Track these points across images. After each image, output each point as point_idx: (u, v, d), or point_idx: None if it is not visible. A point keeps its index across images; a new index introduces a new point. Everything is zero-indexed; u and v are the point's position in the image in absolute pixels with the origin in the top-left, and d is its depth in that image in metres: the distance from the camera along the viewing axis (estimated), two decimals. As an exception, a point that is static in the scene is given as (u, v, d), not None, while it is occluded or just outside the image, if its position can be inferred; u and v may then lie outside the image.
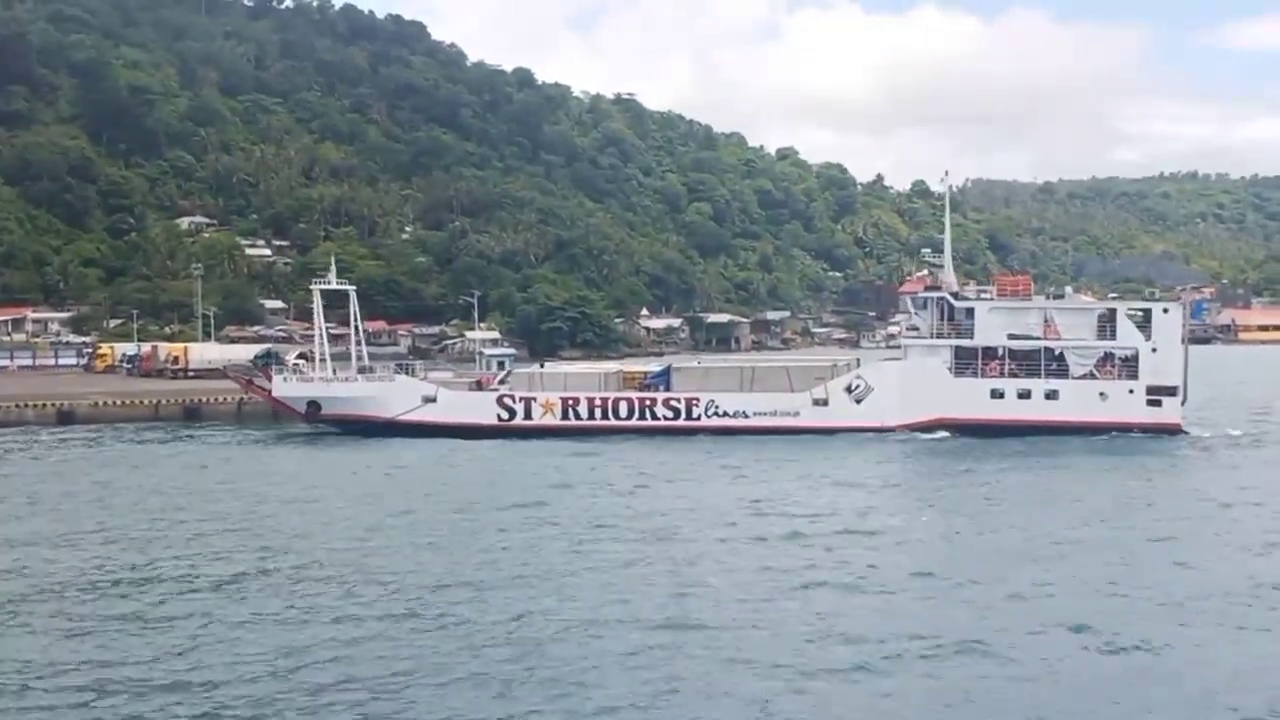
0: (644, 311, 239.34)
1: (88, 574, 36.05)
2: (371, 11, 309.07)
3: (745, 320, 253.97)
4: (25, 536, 42.33)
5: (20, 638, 29.27)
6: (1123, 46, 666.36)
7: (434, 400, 77.82)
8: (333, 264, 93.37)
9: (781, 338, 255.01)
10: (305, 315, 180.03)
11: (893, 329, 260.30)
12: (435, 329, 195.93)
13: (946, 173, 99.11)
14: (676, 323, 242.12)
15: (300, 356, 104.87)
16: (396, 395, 78.72)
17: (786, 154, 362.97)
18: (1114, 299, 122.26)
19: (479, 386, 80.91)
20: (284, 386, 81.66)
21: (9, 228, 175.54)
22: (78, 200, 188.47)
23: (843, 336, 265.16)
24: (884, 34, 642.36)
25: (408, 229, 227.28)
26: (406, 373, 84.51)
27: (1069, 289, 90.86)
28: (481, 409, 77.23)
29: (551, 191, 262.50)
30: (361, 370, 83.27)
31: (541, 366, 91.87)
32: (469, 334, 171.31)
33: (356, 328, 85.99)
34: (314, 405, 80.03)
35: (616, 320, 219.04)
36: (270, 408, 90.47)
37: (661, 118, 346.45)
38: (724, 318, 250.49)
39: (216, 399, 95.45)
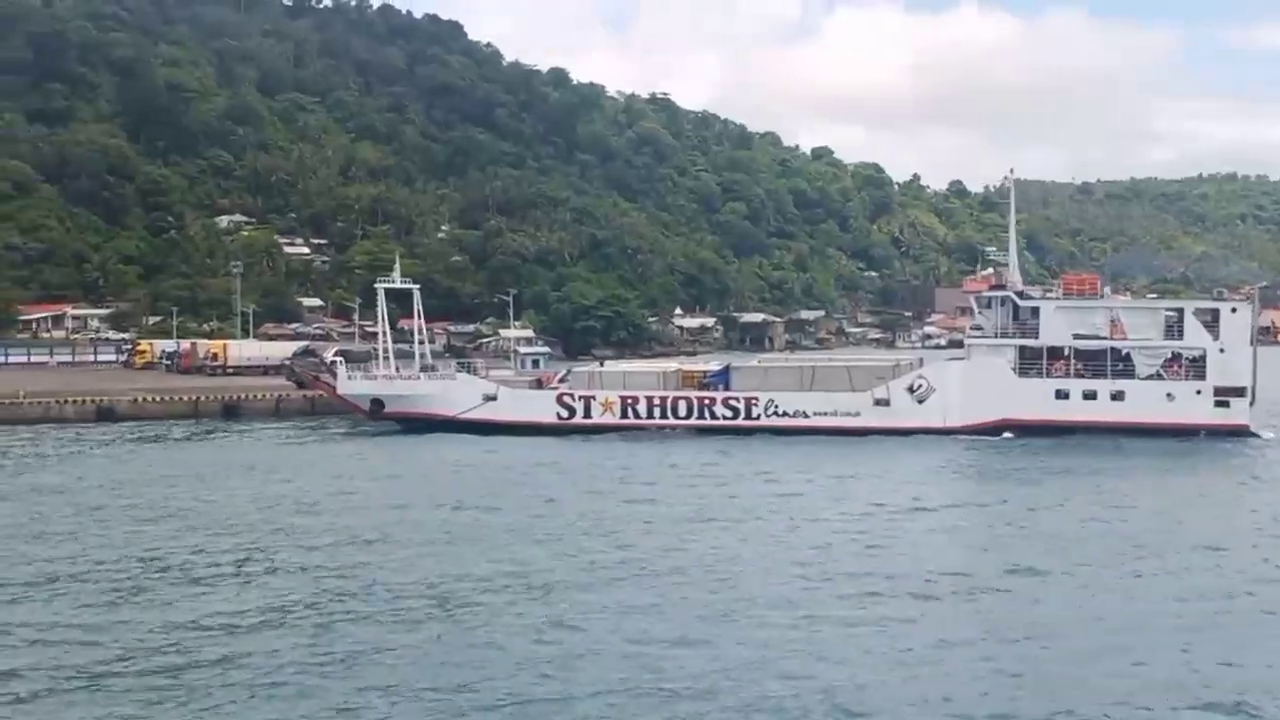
0: (678, 310, 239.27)
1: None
2: (409, 11, 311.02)
3: (779, 320, 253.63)
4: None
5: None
6: (1159, 46, 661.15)
7: (495, 399, 78.39)
8: (397, 263, 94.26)
9: (816, 337, 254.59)
10: (342, 313, 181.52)
11: (929, 329, 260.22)
12: (470, 327, 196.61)
13: (1011, 170, 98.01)
14: (710, 322, 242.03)
15: (338, 354, 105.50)
16: (458, 393, 79.40)
17: (821, 153, 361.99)
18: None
19: (539, 385, 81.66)
20: (348, 384, 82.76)
21: (49, 225, 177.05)
22: (116, 198, 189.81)
23: (878, 336, 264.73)
24: (922, 33, 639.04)
25: (444, 228, 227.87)
26: (468, 371, 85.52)
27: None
28: (542, 407, 77.74)
29: (586, 191, 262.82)
30: (424, 368, 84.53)
31: (601, 365, 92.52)
32: (504, 332, 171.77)
33: (420, 326, 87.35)
34: (377, 403, 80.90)
35: (650, 319, 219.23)
36: (307, 405, 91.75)
37: (696, 117, 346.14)
38: (758, 317, 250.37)
39: (255, 396, 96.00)
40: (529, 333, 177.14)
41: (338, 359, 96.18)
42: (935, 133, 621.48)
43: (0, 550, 39.46)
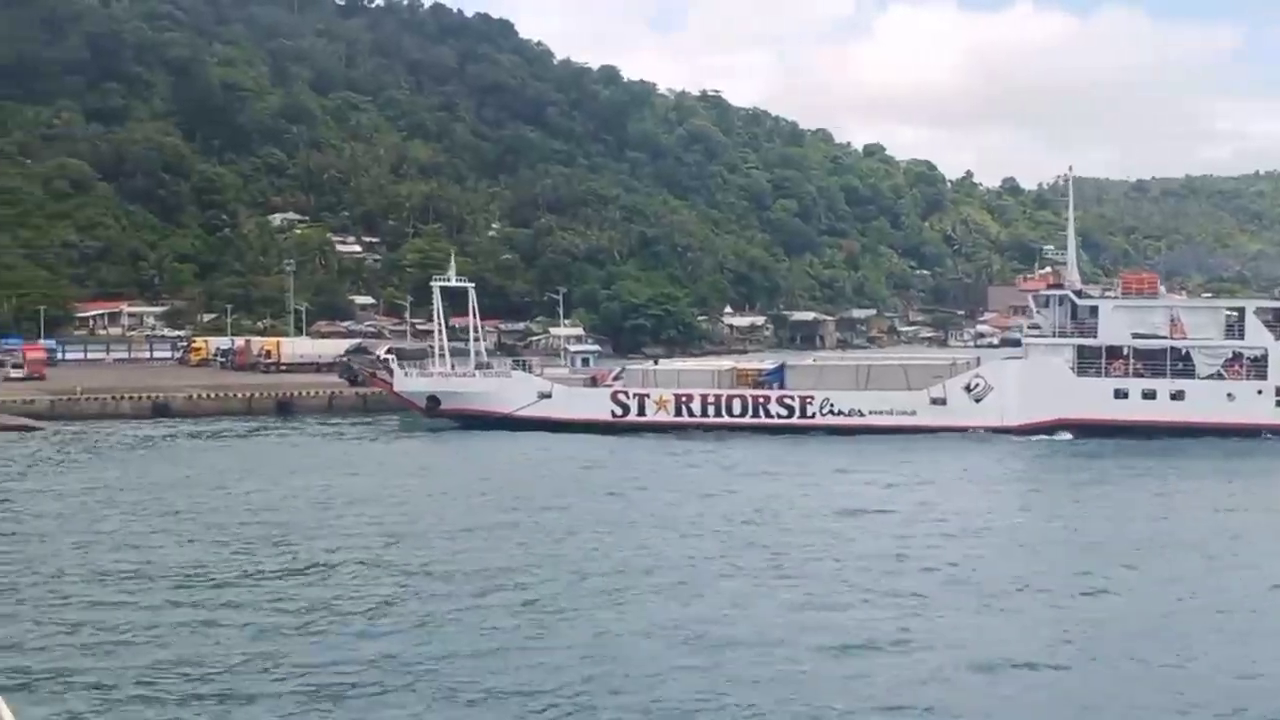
0: (728, 309, 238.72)
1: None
2: (460, 10, 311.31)
3: (830, 318, 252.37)
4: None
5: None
6: (1216, 44, 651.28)
7: (549, 396, 78.85)
8: (452, 261, 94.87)
9: (867, 336, 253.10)
10: (394, 311, 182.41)
11: (981, 328, 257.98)
12: (520, 325, 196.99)
13: (1070, 168, 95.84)
14: (760, 320, 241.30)
15: (389, 351, 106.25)
16: (514, 391, 80.00)
17: (874, 150, 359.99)
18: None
19: (594, 383, 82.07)
20: (405, 381, 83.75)
21: (105, 223, 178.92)
22: (172, 196, 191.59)
23: (930, 335, 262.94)
24: (977, 30, 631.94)
25: (494, 226, 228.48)
26: (524, 369, 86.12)
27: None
28: (596, 405, 78.01)
29: (636, 189, 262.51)
30: (479, 366, 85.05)
31: (655, 363, 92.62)
32: (553, 330, 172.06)
33: (476, 324, 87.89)
34: (434, 400, 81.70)
35: (700, 317, 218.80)
36: (359, 402, 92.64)
37: (747, 114, 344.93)
38: (808, 315, 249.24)
39: (308, 393, 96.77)
40: (579, 331, 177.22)
41: (390, 356, 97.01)
42: (989, 130, 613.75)
43: (63, 545, 39.88)
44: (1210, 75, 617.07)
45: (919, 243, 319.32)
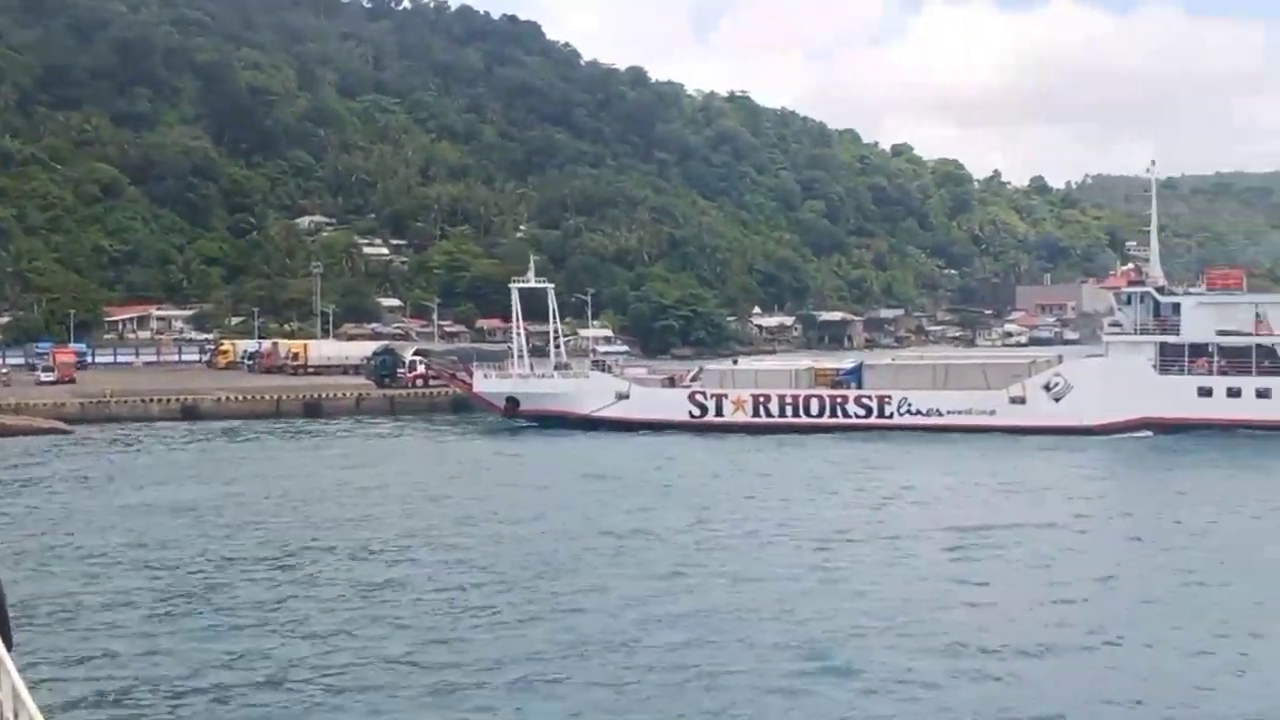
0: (756, 309, 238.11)
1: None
2: (487, 12, 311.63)
3: (858, 318, 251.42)
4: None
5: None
6: (1255, 42, 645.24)
7: (627, 397, 79.16)
8: (531, 263, 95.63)
9: (895, 336, 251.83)
10: (420, 313, 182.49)
11: (1009, 327, 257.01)
12: (548, 327, 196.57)
13: (1153, 162, 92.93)
14: (789, 321, 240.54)
15: (417, 353, 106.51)
16: (592, 391, 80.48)
17: (901, 150, 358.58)
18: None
19: (671, 383, 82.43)
20: (484, 383, 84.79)
21: (134, 226, 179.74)
22: (200, 199, 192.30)
23: (957, 335, 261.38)
24: (1010, 29, 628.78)
25: (522, 228, 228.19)
26: (601, 370, 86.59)
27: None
28: (674, 405, 78.18)
29: (664, 190, 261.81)
30: (558, 367, 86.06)
31: (735, 363, 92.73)
32: (582, 332, 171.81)
33: (557, 327, 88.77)
34: (512, 400, 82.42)
35: (729, 318, 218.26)
36: (386, 403, 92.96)
37: (775, 115, 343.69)
38: (837, 315, 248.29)
39: (336, 395, 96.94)
40: (607, 332, 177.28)
41: (415, 358, 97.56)
42: (1019, 129, 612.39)
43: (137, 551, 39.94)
44: (1245, 73, 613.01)
45: (947, 242, 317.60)
